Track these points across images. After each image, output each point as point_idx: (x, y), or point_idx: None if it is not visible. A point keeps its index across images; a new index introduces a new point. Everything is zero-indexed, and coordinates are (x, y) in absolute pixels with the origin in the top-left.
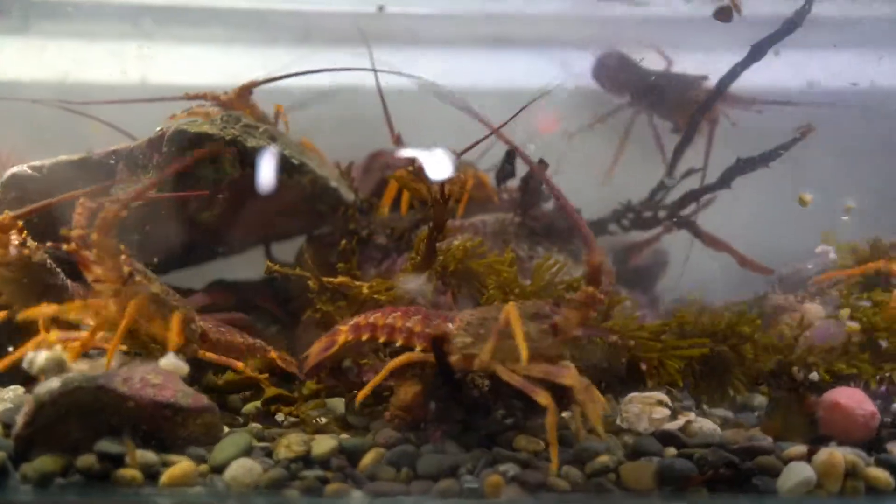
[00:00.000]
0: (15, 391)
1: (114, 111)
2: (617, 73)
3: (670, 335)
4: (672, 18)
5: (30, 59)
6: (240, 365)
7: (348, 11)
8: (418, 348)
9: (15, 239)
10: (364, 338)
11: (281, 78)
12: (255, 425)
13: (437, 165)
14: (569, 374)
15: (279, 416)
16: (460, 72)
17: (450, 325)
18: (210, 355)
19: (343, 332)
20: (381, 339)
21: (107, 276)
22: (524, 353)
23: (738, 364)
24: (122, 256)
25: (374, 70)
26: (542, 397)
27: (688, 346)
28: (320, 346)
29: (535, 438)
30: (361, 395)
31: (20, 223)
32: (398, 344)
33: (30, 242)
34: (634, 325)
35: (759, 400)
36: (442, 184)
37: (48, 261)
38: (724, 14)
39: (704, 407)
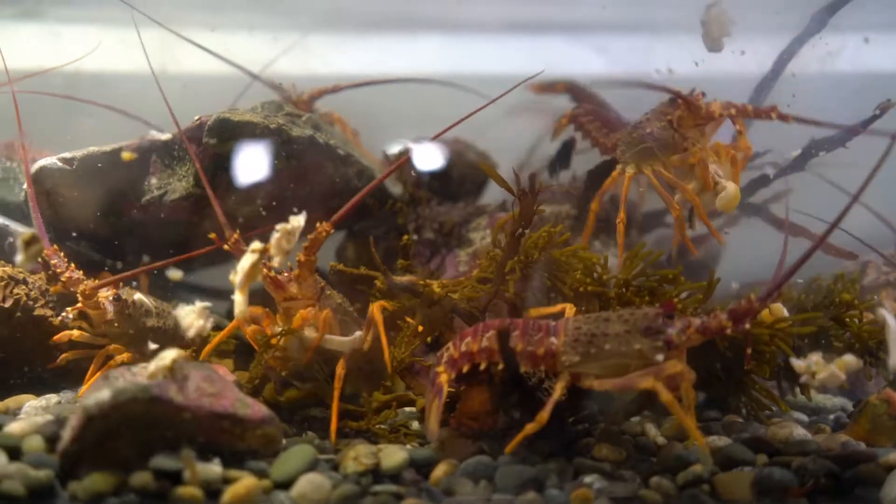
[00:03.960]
0: (49, 400)
1: (128, 103)
2: None
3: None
4: None
5: (44, 45)
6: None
7: None
8: (522, 369)
9: (107, 294)
10: (465, 370)
11: (362, 85)
12: (310, 434)
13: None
14: (648, 381)
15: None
16: (498, 58)
17: (553, 340)
18: None
19: (442, 374)
20: (482, 366)
21: (304, 294)
22: None
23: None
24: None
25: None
26: (664, 395)
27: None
28: (431, 401)
29: (616, 447)
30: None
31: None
32: (499, 367)
33: (125, 293)
34: None
35: (833, 402)
36: (532, 174)
37: (145, 304)
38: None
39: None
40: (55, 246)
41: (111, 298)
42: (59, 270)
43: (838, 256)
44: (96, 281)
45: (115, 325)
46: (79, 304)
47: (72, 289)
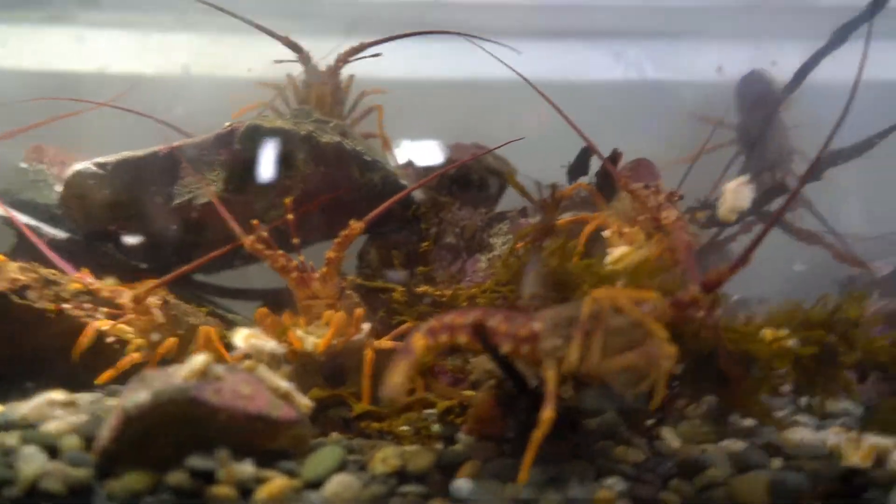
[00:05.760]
0: (80, 398)
1: (146, 106)
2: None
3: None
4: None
5: (69, 48)
6: None
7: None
8: (503, 349)
9: (157, 300)
10: (442, 340)
11: (387, 41)
12: (335, 434)
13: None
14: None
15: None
16: (516, 64)
17: (535, 325)
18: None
19: (419, 339)
20: (464, 341)
21: (326, 293)
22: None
23: (847, 355)
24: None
25: None
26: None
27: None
28: (398, 361)
29: (635, 449)
30: None
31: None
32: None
33: (168, 297)
34: (750, 326)
35: (842, 406)
36: (553, 185)
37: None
38: None
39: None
40: (84, 269)
41: (161, 303)
42: (93, 287)
43: (853, 266)
44: (136, 287)
45: (168, 328)
46: (129, 316)
47: (116, 301)
